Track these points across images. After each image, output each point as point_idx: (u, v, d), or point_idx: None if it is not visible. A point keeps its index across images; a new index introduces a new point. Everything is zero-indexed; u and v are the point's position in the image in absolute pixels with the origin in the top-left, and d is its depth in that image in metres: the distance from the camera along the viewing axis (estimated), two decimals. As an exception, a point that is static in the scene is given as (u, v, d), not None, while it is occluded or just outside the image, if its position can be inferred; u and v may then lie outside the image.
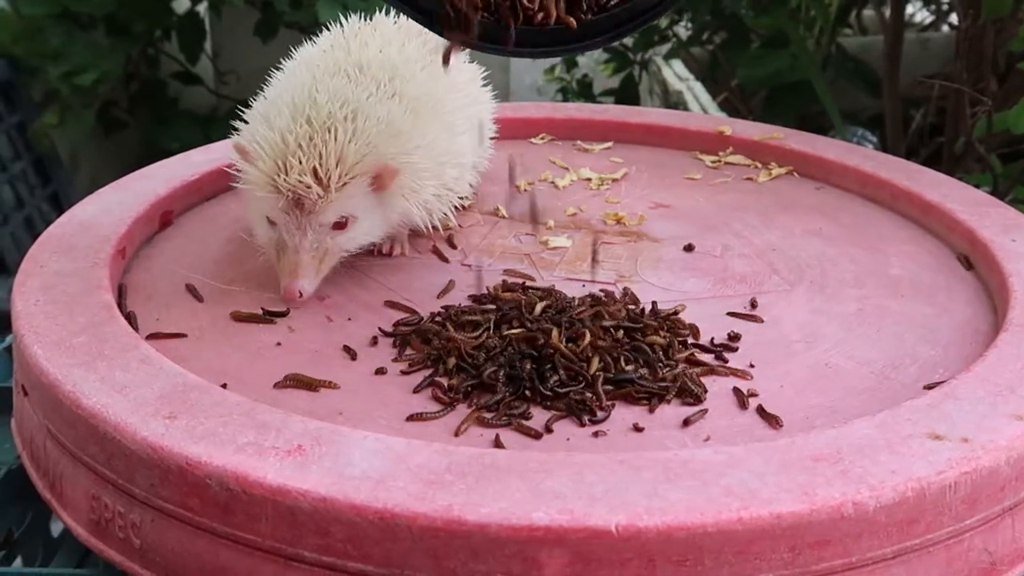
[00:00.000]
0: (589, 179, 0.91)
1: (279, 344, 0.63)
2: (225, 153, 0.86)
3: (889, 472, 0.47)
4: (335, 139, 0.65)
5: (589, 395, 0.56)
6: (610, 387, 0.57)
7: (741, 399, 0.57)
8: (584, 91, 2.31)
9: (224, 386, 0.55)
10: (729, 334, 0.64)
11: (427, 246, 0.76)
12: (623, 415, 0.56)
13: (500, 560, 0.44)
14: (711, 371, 0.60)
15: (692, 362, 0.60)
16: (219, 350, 0.62)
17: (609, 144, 1.00)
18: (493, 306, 0.65)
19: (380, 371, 0.60)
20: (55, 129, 2.08)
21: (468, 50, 0.72)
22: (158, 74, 2.37)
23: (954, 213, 0.78)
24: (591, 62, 2.30)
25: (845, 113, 1.70)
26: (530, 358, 0.58)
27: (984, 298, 0.70)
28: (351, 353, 0.62)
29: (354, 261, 0.73)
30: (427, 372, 0.59)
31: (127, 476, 0.50)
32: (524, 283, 0.69)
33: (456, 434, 0.54)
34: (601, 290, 0.69)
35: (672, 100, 1.81)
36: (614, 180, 0.91)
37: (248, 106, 0.72)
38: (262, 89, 0.73)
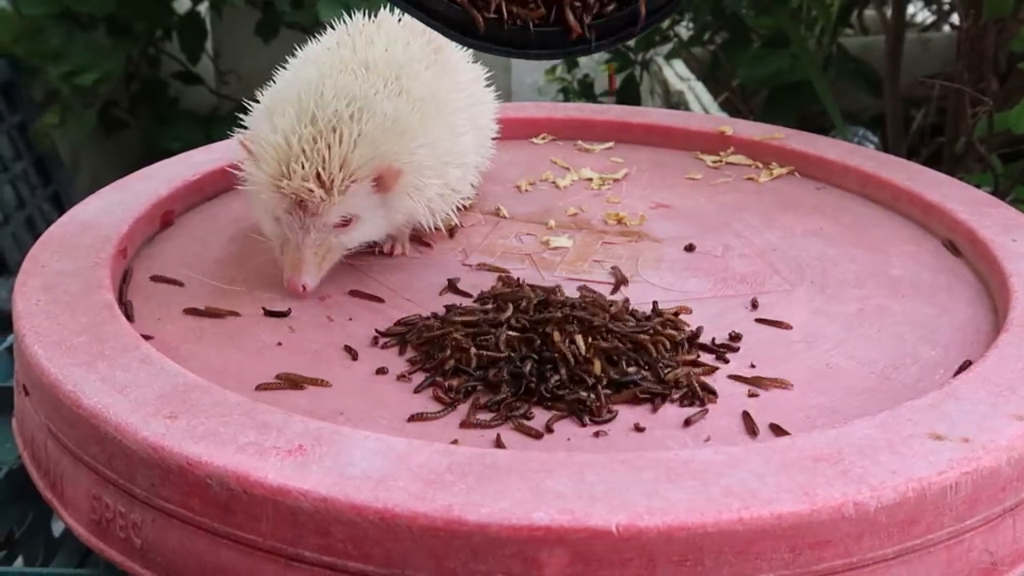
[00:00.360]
0: (590, 179, 0.91)
1: (280, 344, 0.63)
2: (226, 153, 0.86)
3: (890, 472, 0.47)
4: (339, 142, 0.65)
5: (590, 396, 0.56)
6: (610, 390, 0.57)
7: (747, 421, 0.56)
8: (585, 91, 2.31)
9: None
10: (730, 334, 0.64)
11: (428, 246, 0.76)
12: (624, 415, 0.56)
13: (500, 560, 0.44)
14: (712, 371, 0.60)
15: (694, 363, 0.60)
16: (220, 350, 0.62)
17: (610, 144, 1.00)
18: (494, 306, 0.65)
19: (381, 371, 0.60)
20: (56, 129, 2.08)
21: (472, 51, 0.73)
22: (159, 74, 2.37)
23: (955, 213, 0.78)
24: (592, 62, 2.30)
25: (846, 113, 1.70)
26: (531, 358, 0.58)
27: (985, 298, 0.70)
28: (352, 353, 0.62)
29: (355, 261, 0.73)
30: (428, 372, 0.59)
31: (128, 476, 0.50)
32: (522, 281, 0.69)
33: (463, 425, 0.54)
34: (612, 297, 0.69)
35: (673, 100, 1.81)
36: (615, 180, 0.91)
37: (250, 106, 0.72)
38: (263, 89, 0.73)
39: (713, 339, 0.63)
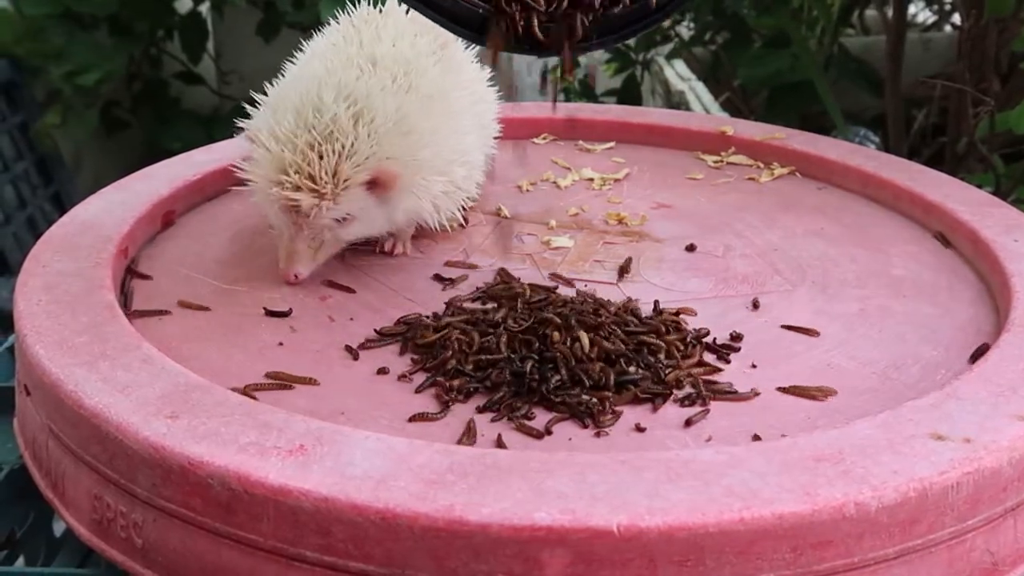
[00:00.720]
0: (591, 179, 0.91)
1: (281, 344, 0.63)
2: (227, 153, 0.86)
3: (891, 472, 0.47)
4: (333, 151, 0.66)
5: (591, 400, 0.56)
6: (611, 392, 0.57)
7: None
8: (586, 91, 2.31)
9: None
10: (731, 334, 0.64)
11: (429, 246, 0.76)
12: (625, 415, 0.56)
13: (501, 560, 0.44)
14: (713, 371, 0.60)
15: (695, 363, 0.60)
16: (221, 350, 0.62)
17: (611, 144, 1.00)
18: (495, 305, 0.65)
19: (382, 371, 0.60)
20: (58, 129, 2.08)
21: (475, 49, 0.73)
22: (160, 74, 2.37)
23: (956, 213, 0.78)
24: (593, 62, 2.30)
25: (847, 113, 1.70)
26: (532, 358, 0.58)
27: (986, 298, 0.70)
28: (353, 353, 0.62)
29: (355, 261, 0.73)
30: (429, 372, 0.59)
31: (129, 476, 0.50)
32: (522, 281, 0.69)
33: (465, 437, 0.54)
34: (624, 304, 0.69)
35: (674, 100, 1.81)
36: (616, 180, 0.91)
37: (254, 104, 0.72)
38: (264, 89, 0.73)
39: (715, 339, 0.63)
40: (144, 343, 0.58)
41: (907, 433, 0.50)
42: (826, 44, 1.77)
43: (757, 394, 0.58)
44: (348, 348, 0.62)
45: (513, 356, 0.59)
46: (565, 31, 0.58)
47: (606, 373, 0.58)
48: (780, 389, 0.58)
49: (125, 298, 0.67)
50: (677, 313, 0.65)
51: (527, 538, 0.44)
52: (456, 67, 0.78)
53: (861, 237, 0.79)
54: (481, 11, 0.58)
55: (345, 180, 0.66)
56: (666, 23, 2.01)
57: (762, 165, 0.94)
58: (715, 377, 0.60)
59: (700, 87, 1.82)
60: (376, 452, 0.48)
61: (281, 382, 0.58)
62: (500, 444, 0.53)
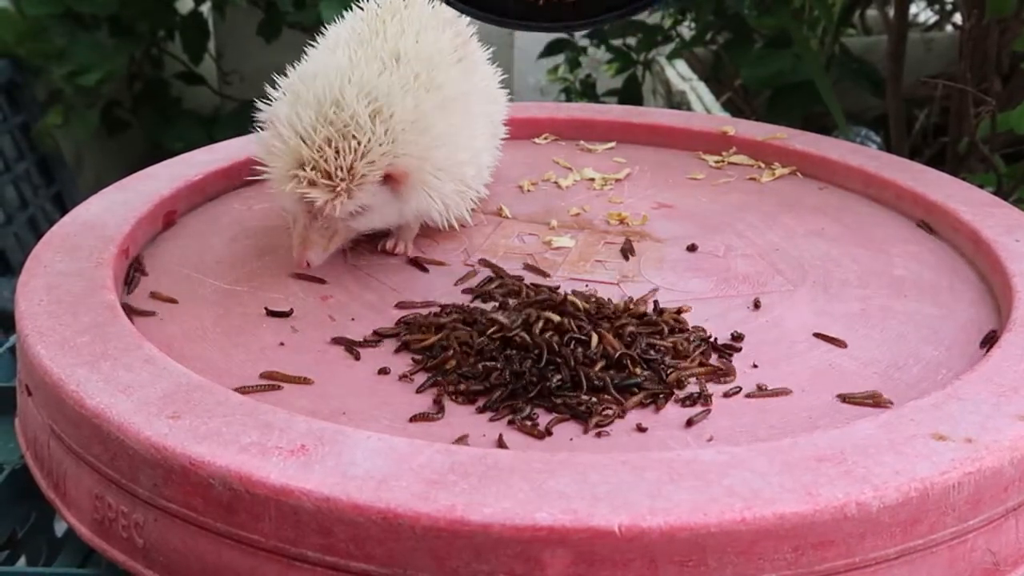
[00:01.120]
0: (592, 179, 0.91)
1: (282, 344, 0.63)
2: (229, 153, 0.86)
3: (892, 472, 0.47)
4: (350, 148, 0.66)
5: (592, 399, 0.56)
6: (612, 393, 0.57)
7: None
8: (587, 91, 2.31)
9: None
10: (732, 334, 0.64)
11: (430, 246, 0.76)
12: (626, 415, 0.56)
13: (503, 560, 0.44)
14: (714, 371, 0.60)
15: (696, 363, 0.60)
16: (223, 350, 0.62)
17: (612, 144, 1.00)
18: (496, 305, 0.65)
19: (383, 371, 0.60)
20: (59, 129, 2.08)
21: (488, 51, 0.73)
22: (162, 74, 2.37)
23: (958, 213, 0.78)
24: (594, 62, 2.30)
25: (849, 113, 1.70)
26: (533, 359, 0.58)
27: (988, 299, 0.70)
28: (354, 353, 0.62)
29: (357, 261, 0.73)
30: (430, 372, 0.59)
31: (130, 476, 0.50)
32: (523, 280, 0.69)
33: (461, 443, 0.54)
34: (629, 301, 0.69)
35: (675, 100, 1.81)
36: (617, 180, 0.91)
37: (252, 107, 0.72)
38: (265, 89, 0.73)
39: (716, 339, 0.63)
40: (146, 343, 0.58)
41: (908, 433, 0.50)
42: (827, 44, 1.76)
43: (758, 395, 0.58)
44: (349, 348, 0.62)
45: (514, 356, 0.58)
46: None
47: (607, 373, 0.58)
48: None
49: (128, 288, 0.68)
50: (678, 312, 0.65)
51: (528, 538, 0.44)
52: (473, 66, 0.79)
53: (862, 237, 0.79)
54: None
55: (360, 176, 0.67)
56: (667, 23, 2.01)
57: (763, 165, 0.94)
58: (716, 377, 0.60)
59: (701, 87, 1.82)
60: (377, 452, 0.48)
61: (274, 382, 0.58)
62: (501, 444, 0.53)
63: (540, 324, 0.61)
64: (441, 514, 0.44)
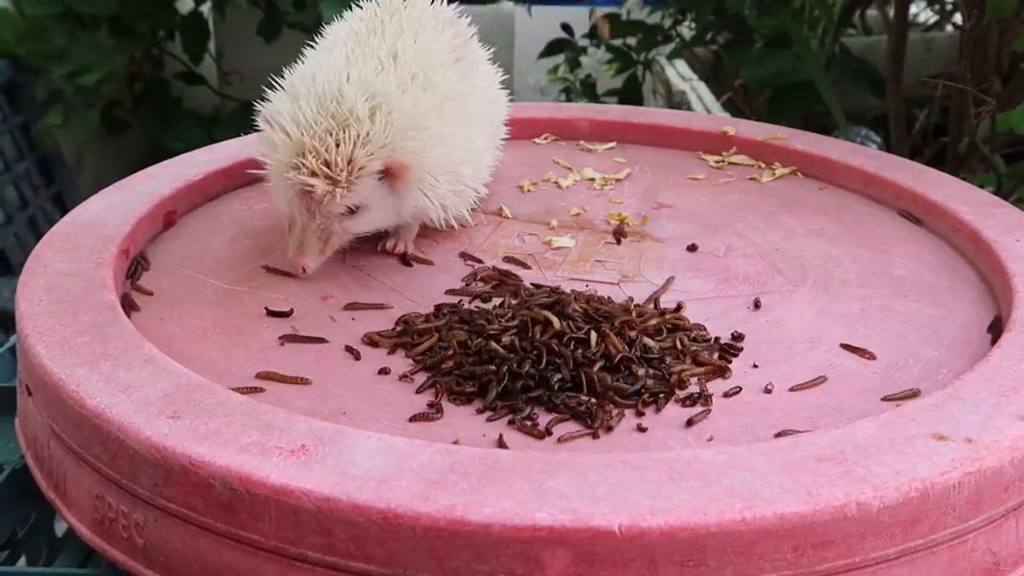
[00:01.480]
0: (592, 179, 0.91)
1: (283, 344, 0.63)
2: (229, 153, 0.86)
3: (893, 472, 0.47)
4: (350, 139, 0.67)
5: (592, 399, 0.56)
6: (612, 393, 0.57)
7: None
8: (587, 91, 2.31)
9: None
10: (733, 334, 0.64)
11: (430, 246, 0.76)
12: (626, 415, 0.56)
13: (503, 560, 0.44)
14: (715, 371, 0.60)
15: (697, 362, 0.60)
16: (223, 350, 0.62)
17: (612, 144, 1.00)
18: (496, 305, 0.65)
19: (383, 371, 0.60)
20: (59, 129, 2.08)
21: (489, 51, 0.73)
22: (162, 74, 2.37)
23: (958, 213, 0.78)
24: (595, 62, 2.30)
25: (849, 113, 1.70)
26: (533, 359, 0.58)
27: (988, 299, 0.70)
28: (354, 353, 0.62)
29: (357, 262, 0.73)
30: (430, 372, 0.59)
31: (131, 476, 0.50)
32: (523, 281, 0.69)
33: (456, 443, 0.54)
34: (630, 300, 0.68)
35: (675, 100, 1.81)
36: (617, 180, 0.91)
37: (252, 107, 0.72)
38: (265, 89, 0.73)
39: (716, 339, 0.63)
40: (146, 343, 0.58)
41: (909, 433, 0.50)
42: (827, 44, 1.76)
43: (769, 391, 0.58)
44: (349, 348, 0.62)
45: (513, 356, 0.58)
46: None
47: (607, 374, 0.57)
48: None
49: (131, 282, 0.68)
50: (678, 311, 0.65)
51: (528, 538, 0.44)
52: (472, 67, 0.79)
53: (862, 237, 0.79)
54: None
55: (359, 168, 0.67)
56: (667, 23, 2.01)
57: (763, 165, 0.94)
58: (716, 377, 0.60)
59: (702, 87, 1.82)
60: (377, 452, 0.48)
61: (271, 383, 0.58)
62: (501, 444, 0.53)
63: (540, 324, 0.61)
64: (441, 514, 0.44)
